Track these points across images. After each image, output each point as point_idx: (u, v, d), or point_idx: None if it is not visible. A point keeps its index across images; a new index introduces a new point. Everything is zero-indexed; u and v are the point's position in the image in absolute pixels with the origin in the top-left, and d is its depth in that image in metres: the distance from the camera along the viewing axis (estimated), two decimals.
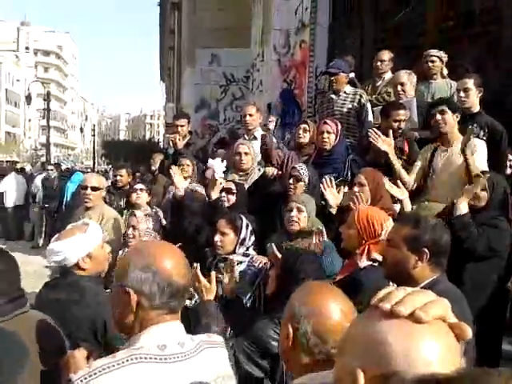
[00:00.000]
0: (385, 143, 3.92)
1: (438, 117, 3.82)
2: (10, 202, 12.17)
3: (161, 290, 1.33)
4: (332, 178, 3.60)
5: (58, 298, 2.32)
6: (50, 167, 12.17)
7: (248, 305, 2.80)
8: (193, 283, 2.40)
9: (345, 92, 5.14)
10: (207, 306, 2.36)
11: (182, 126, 5.84)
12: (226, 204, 3.83)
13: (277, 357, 2.05)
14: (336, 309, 1.36)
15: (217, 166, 3.88)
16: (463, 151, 3.59)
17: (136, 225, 3.88)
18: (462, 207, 3.27)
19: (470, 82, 4.32)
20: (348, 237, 2.65)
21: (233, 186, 3.91)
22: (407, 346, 0.69)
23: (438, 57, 5.11)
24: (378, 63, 5.56)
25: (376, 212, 2.73)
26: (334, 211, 3.43)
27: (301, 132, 4.70)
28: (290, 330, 1.38)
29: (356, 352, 0.73)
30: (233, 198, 3.85)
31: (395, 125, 4.28)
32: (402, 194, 3.49)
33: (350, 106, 5.06)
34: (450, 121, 3.84)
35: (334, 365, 0.81)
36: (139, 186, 4.81)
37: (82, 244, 2.38)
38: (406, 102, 4.66)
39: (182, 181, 4.11)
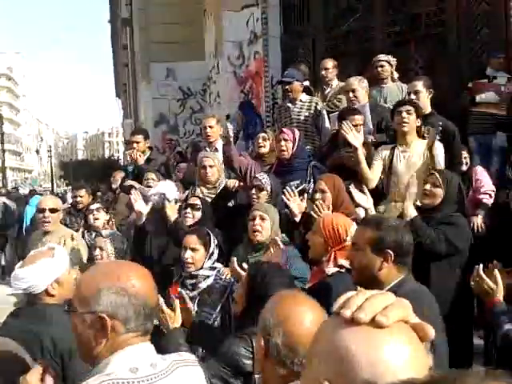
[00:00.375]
0: (356, 138, 3.97)
1: (404, 115, 3.93)
2: None
3: (137, 312, 1.29)
4: (293, 188, 3.62)
5: (24, 328, 2.21)
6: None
7: (216, 323, 2.77)
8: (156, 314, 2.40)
9: (300, 100, 5.22)
10: (174, 335, 2.33)
11: (137, 142, 5.74)
12: (191, 221, 3.76)
13: (249, 375, 2.06)
14: (306, 318, 1.36)
15: (166, 189, 3.82)
16: (430, 150, 3.73)
17: (103, 246, 3.80)
18: (410, 211, 3.34)
19: (419, 84, 4.47)
20: (314, 244, 2.67)
21: (198, 202, 3.85)
22: (372, 354, 0.68)
23: (386, 61, 5.26)
24: (323, 71, 5.71)
25: (340, 218, 2.76)
26: (297, 219, 3.46)
27: (260, 141, 4.75)
28: (262, 342, 1.38)
29: (321, 363, 0.72)
30: (198, 214, 3.79)
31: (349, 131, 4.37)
32: (368, 202, 3.54)
33: (307, 113, 5.15)
34: (413, 122, 3.97)
35: (301, 376, 0.80)
36: (95, 205, 4.66)
37: (50, 269, 2.30)
38: (359, 107, 4.78)
39: (143, 207, 3.90)
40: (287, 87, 5.24)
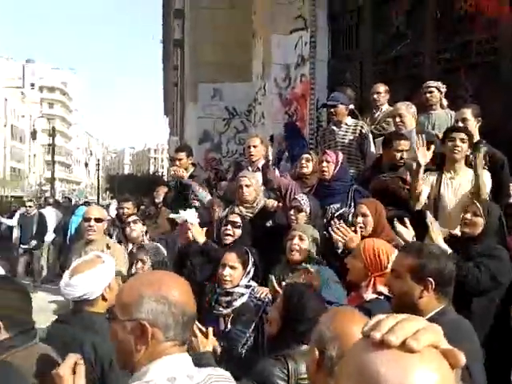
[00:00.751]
0: (424, 156, 3.87)
1: (458, 143, 3.87)
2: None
3: (175, 321, 1.31)
4: (343, 225, 3.45)
5: (68, 334, 2.27)
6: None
7: (249, 342, 2.75)
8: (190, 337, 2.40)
9: (346, 124, 5.21)
10: (205, 358, 2.31)
11: (180, 159, 5.78)
12: (231, 238, 3.75)
13: None
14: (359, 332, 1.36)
15: (185, 213, 3.84)
16: (477, 179, 3.66)
17: (144, 258, 3.86)
18: (442, 245, 3.15)
19: (468, 112, 4.38)
20: (353, 268, 2.63)
21: (238, 219, 3.84)
22: (401, 378, 0.67)
23: (436, 87, 5.19)
24: (375, 95, 5.69)
25: (382, 244, 2.70)
26: (339, 251, 3.39)
27: (303, 162, 4.75)
28: (316, 353, 1.39)
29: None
30: (238, 232, 3.78)
31: (398, 155, 4.32)
32: (409, 234, 3.41)
33: (352, 137, 5.12)
34: (465, 151, 3.92)
35: None
36: (132, 218, 4.78)
37: (104, 275, 2.36)
38: (406, 132, 4.72)
39: (201, 236, 3.86)
40: (332, 110, 5.24)
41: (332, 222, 3.55)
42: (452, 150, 3.89)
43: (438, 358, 0.70)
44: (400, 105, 4.92)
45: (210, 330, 2.47)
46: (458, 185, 3.88)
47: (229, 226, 3.79)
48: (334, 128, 5.27)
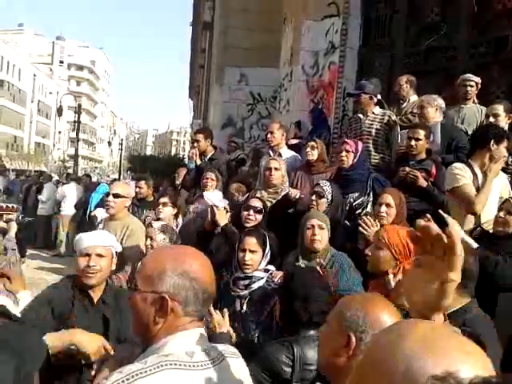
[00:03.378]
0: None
1: (504, 151, 3.73)
2: (41, 211, 12.41)
3: (195, 296, 1.32)
4: (370, 218, 3.39)
5: None
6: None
7: (262, 326, 2.74)
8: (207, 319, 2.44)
9: (373, 113, 5.13)
10: (221, 339, 2.31)
11: (197, 140, 5.74)
12: (252, 223, 3.70)
13: (287, 383, 2.02)
14: (394, 319, 1.38)
15: (214, 199, 3.80)
16: None
17: (153, 236, 3.87)
18: (470, 241, 3.05)
19: (500, 108, 4.29)
20: (378, 259, 2.57)
21: (259, 204, 3.77)
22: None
23: (475, 82, 5.09)
24: (397, 87, 5.60)
25: (404, 231, 2.66)
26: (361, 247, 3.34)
27: (309, 149, 4.67)
28: (354, 339, 1.36)
29: (375, 371, 0.70)
30: (259, 217, 3.73)
31: (411, 142, 4.25)
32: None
33: (378, 126, 5.04)
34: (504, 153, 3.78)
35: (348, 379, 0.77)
36: (162, 199, 4.75)
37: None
38: (430, 126, 4.63)
39: (224, 219, 3.84)
40: (355, 99, 5.16)
41: (361, 217, 3.47)
42: (497, 153, 3.68)
43: (486, 361, 0.68)
44: (425, 96, 4.87)
45: (226, 311, 2.50)
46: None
47: (251, 211, 3.72)
48: (361, 116, 5.19)
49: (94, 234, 2.75)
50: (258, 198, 4.00)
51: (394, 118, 5.08)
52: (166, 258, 1.37)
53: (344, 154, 4.17)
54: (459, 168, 3.69)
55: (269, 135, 5.17)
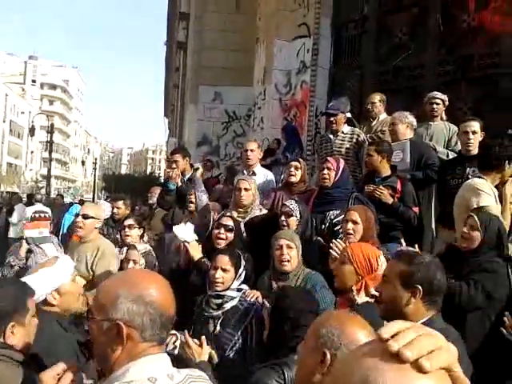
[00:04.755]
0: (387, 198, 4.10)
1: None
2: (12, 233, 12.15)
3: (153, 321, 1.29)
4: (340, 241, 3.38)
5: None
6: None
7: (237, 345, 2.73)
8: (183, 348, 2.45)
9: (342, 132, 5.21)
10: (200, 367, 2.31)
11: (175, 160, 5.62)
12: (223, 242, 3.67)
13: None
14: (368, 337, 1.39)
15: (182, 232, 3.62)
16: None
17: (137, 259, 3.80)
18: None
19: (477, 125, 4.39)
20: (343, 274, 2.61)
21: (230, 222, 3.76)
22: None
23: (442, 99, 5.21)
24: (369, 105, 5.68)
25: (369, 247, 2.74)
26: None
27: (292, 169, 4.69)
28: (328, 356, 1.38)
29: None
30: (230, 236, 3.70)
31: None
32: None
33: (348, 145, 5.13)
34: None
35: None
36: (128, 221, 4.63)
37: (49, 279, 2.32)
38: (399, 143, 4.73)
39: (198, 253, 3.68)
40: (332, 119, 5.22)
41: (333, 240, 3.49)
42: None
43: (444, 382, 0.68)
44: (396, 113, 4.97)
45: (204, 338, 2.48)
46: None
47: (221, 230, 3.70)
48: (331, 136, 5.27)
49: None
50: (229, 216, 3.98)
51: (362, 136, 5.17)
52: (120, 284, 1.34)
53: (326, 172, 4.18)
54: (484, 185, 3.82)
55: (248, 153, 5.17)
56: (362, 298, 2.50)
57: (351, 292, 2.54)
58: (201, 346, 2.45)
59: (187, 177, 5.67)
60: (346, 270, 2.59)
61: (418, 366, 0.66)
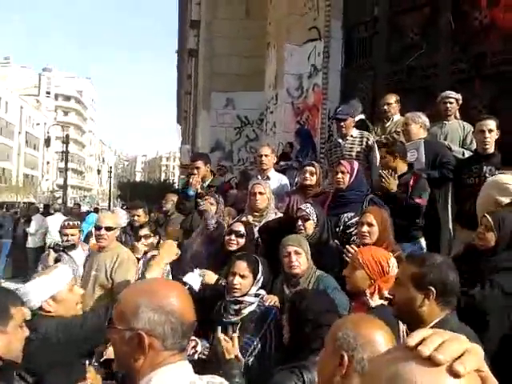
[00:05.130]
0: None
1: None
2: (30, 243, 12.29)
3: (174, 330, 1.29)
4: (354, 246, 3.34)
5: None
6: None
7: (256, 350, 2.72)
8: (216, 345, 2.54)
9: (352, 136, 5.20)
10: (231, 366, 2.37)
11: (197, 167, 5.64)
12: (235, 247, 3.69)
13: None
14: (387, 338, 1.43)
15: (192, 281, 3.60)
16: None
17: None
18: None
19: (493, 124, 4.35)
20: (355, 279, 2.61)
21: (241, 228, 3.76)
22: None
23: (455, 98, 5.17)
24: (385, 106, 5.66)
25: (379, 251, 2.75)
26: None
27: (307, 175, 4.69)
28: (346, 357, 1.40)
29: None
30: (241, 241, 3.71)
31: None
32: None
33: (359, 148, 5.12)
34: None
35: None
36: (143, 231, 4.69)
37: (45, 287, 2.42)
38: (413, 143, 4.70)
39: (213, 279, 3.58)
40: (342, 124, 5.21)
41: (346, 246, 3.48)
42: None
43: (476, 383, 0.71)
44: (409, 114, 4.96)
45: (236, 335, 2.52)
46: None
47: (232, 236, 3.72)
48: (340, 141, 5.26)
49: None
50: (241, 222, 3.99)
51: (371, 140, 5.16)
52: (140, 293, 1.34)
53: (340, 175, 4.18)
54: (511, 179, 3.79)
55: (263, 158, 5.19)
56: (375, 301, 2.50)
57: (365, 296, 2.54)
58: (232, 343, 2.49)
59: (207, 183, 5.69)
60: (359, 275, 2.60)
61: (452, 371, 0.69)
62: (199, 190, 5.40)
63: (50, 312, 2.43)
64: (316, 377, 2.00)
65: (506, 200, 3.70)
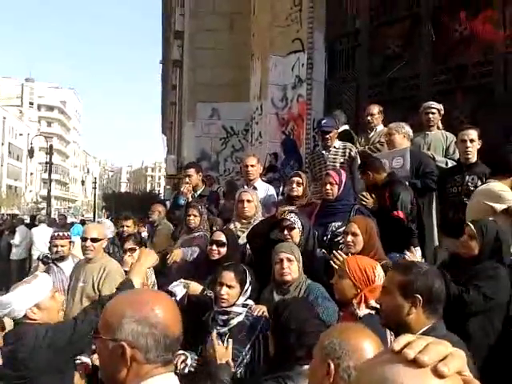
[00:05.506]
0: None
1: None
2: (14, 255, 12.13)
3: (157, 342, 1.27)
4: (341, 252, 3.51)
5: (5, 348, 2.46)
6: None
7: (245, 360, 2.74)
8: (208, 350, 2.58)
9: (334, 147, 5.26)
10: (222, 370, 2.39)
11: (189, 175, 5.67)
12: (217, 256, 3.73)
13: None
14: (373, 346, 1.45)
15: (177, 291, 3.52)
16: None
17: (147, 276, 3.81)
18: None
19: (474, 134, 4.44)
20: (342, 288, 2.63)
21: (222, 238, 3.80)
22: None
23: (437, 109, 5.26)
24: (369, 117, 5.74)
25: (365, 260, 2.76)
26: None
27: (294, 186, 4.73)
28: (332, 366, 1.42)
29: None
30: (223, 250, 3.75)
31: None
32: (415, 255, 3.37)
33: (342, 159, 5.18)
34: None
35: None
36: (128, 244, 4.63)
37: (28, 295, 2.48)
38: (399, 150, 4.77)
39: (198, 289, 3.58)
40: (327, 136, 5.26)
41: (333, 252, 3.51)
42: None
43: None
44: (393, 124, 5.04)
45: (230, 342, 2.56)
46: None
47: (214, 246, 3.77)
48: (324, 152, 5.31)
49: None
50: (221, 230, 4.03)
51: (354, 151, 5.22)
52: (126, 304, 1.33)
53: (329, 186, 4.19)
54: (503, 186, 3.92)
55: (249, 168, 5.21)
56: (362, 311, 2.51)
57: (352, 306, 2.55)
58: (226, 348, 2.51)
59: (198, 192, 5.69)
60: (345, 284, 2.62)
61: (436, 371, 0.72)
62: (189, 199, 5.42)
63: (35, 320, 2.49)
64: None
65: (501, 207, 3.80)
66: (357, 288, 2.57)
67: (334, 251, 3.21)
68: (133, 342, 1.26)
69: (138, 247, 4.65)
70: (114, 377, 1.28)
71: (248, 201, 4.35)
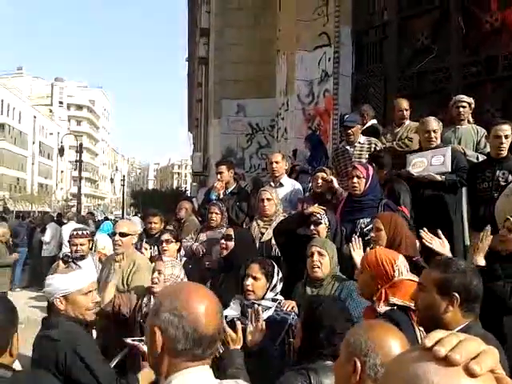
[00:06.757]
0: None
1: None
2: (45, 251, 12.42)
3: (185, 335, 1.29)
4: (359, 239, 3.42)
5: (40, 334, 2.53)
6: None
7: (275, 354, 2.74)
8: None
9: (359, 142, 5.20)
10: (234, 356, 2.36)
11: (220, 172, 5.70)
12: (225, 252, 3.79)
13: None
14: (398, 343, 1.44)
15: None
16: None
17: (162, 269, 3.86)
18: (479, 261, 3.10)
19: (509, 129, 4.32)
20: (363, 282, 2.59)
21: (231, 232, 3.87)
22: None
23: (468, 102, 5.14)
24: (400, 112, 5.60)
25: (384, 252, 2.66)
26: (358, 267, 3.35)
27: (319, 181, 4.70)
28: (359, 364, 1.42)
29: None
30: (230, 244, 3.78)
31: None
32: (443, 247, 3.24)
33: (367, 155, 5.10)
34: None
35: None
36: (165, 236, 4.66)
37: (59, 284, 2.58)
38: (440, 149, 4.64)
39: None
40: (349, 131, 5.21)
41: (352, 238, 3.47)
42: None
43: (492, 383, 0.72)
44: (432, 120, 4.81)
45: (239, 324, 2.55)
46: None
47: (222, 240, 3.87)
48: (348, 148, 5.26)
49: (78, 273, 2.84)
50: (231, 227, 4.14)
51: (379, 145, 5.16)
52: (166, 293, 1.40)
53: (356, 180, 4.09)
54: None
55: (274, 165, 5.21)
56: (382, 308, 2.45)
57: (372, 302, 2.51)
58: (236, 333, 2.50)
59: (230, 190, 5.72)
60: (364, 278, 2.58)
61: (468, 370, 0.69)
62: (221, 196, 5.48)
63: (60, 310, 2.58)
64: (323, 379, 2.01)
65: None
66: (376, 282, 2.52)
67: (351, 244, 3.18)
68: (164, 330, 1.30)
69: (174, 241, 4.68)
70: (153, 358, 1.34)
71: (268, 199, 4.42)
